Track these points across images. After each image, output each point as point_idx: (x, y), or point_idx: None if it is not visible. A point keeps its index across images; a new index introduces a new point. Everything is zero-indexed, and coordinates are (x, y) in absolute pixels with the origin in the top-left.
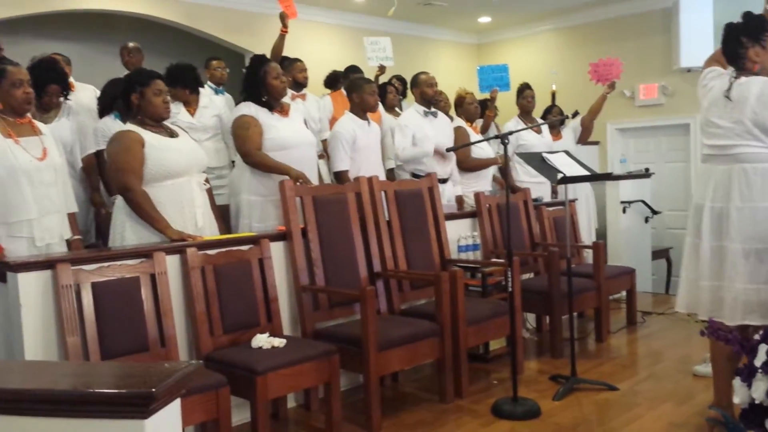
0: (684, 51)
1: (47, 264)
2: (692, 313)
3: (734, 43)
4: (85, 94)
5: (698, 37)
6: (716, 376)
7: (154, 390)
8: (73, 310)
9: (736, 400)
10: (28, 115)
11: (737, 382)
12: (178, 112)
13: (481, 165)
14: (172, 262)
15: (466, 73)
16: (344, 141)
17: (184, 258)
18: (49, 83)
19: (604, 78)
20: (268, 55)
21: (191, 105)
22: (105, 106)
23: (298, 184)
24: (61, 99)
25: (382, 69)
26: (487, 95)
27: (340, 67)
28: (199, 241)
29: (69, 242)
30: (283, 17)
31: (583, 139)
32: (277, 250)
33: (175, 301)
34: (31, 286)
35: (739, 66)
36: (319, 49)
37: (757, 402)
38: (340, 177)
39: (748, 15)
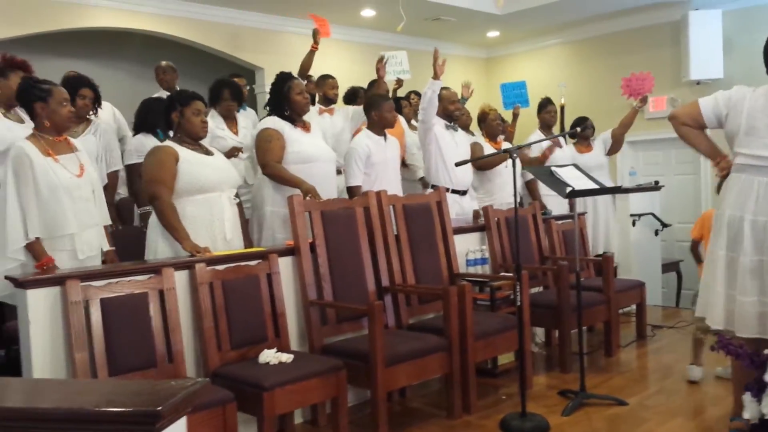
0: (693, 64)
1: (56, 280)
2: (729, 329)
3: None
4: (104, 112)
5: (707, 50)
6: (736, 387)
7: (160, 408)
8: (82, 326)
9: (746, 415)
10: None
11: (747, 397)
12: (224, 138)
13: (491, 162)
14: (180, 278)
15: (475, 87)
16: (358, 157)
17: (193, 273)
18: (81, 87)
19: (636, 92)
20: (296, 71)
21: (233, 124)
22: (140, 123)
23: (307, 198)
24: (91, 113)
25: (399, 82)
26: (508, 111)
27: (350, 82)
28: (208, 257)
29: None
30: (315, 34)
31: (614, 151)
32: (285, 265)
33: (183, 316)
34: (40, 303)
35: None
36: (329, 64)
37: (767, 417)
38: (352, 192)
39: None
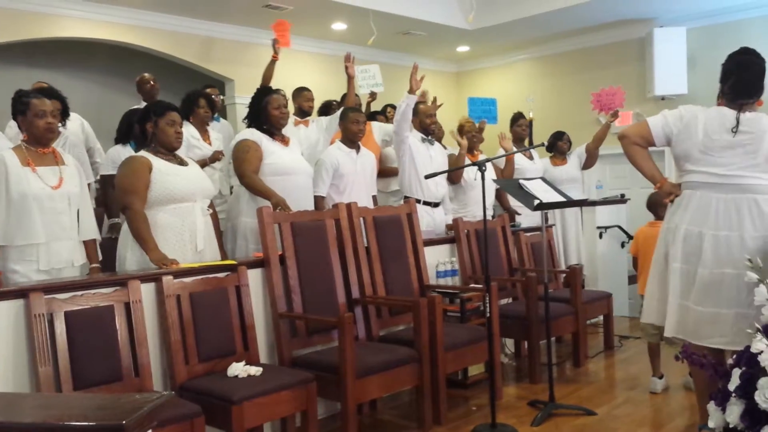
0: (658, 79)
1: (19, 293)
2: (682, 338)
3: (760, 77)
4: (72, 123)
5: (672, 66)
6: (699, 397)
7: (124, 422)
8: (46, 339)
9: (711, 424)
10: (54, 146)
11: (711, 406)
12: (199, 147)
13: (458, 175)
14: (147, 290)
15: (445, 101)
16: (325, 168)
17: (160, 286)
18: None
19: (606, 107)
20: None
21: (205, 134)
22: (122, 134)
23: (277, 210)
24: (59, 125)
25: (373, 96)
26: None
27: (322, 95)
28: (175, 269)
29: (91, 269)
30: (274, 44)
31: (588, 165)
32: (254, 277)
33: (149, 329)
34: (2, 315)
35: (750, 101)
36: (300, 76)
37: (731, 426)
38: (317, 202)
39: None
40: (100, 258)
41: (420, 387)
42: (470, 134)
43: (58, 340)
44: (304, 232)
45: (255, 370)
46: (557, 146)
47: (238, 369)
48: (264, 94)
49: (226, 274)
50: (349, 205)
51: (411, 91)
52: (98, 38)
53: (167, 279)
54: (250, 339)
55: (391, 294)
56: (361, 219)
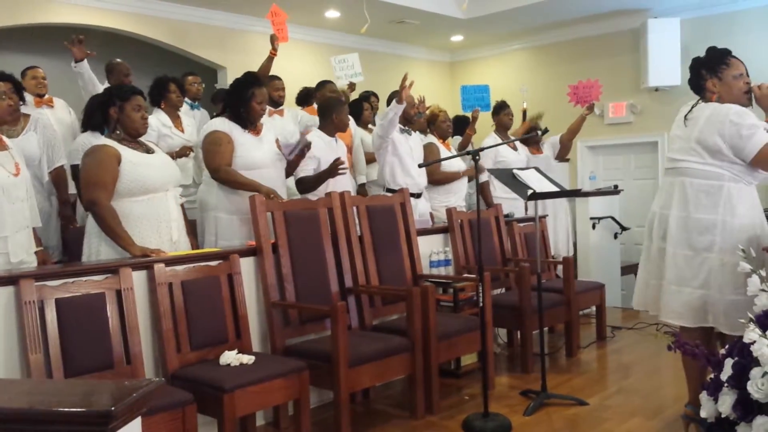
0: (652, 71)
1: (10, 279)
2: (645, 310)
3: (696, 75)
4: (60, 110)
5: (666, 58)
6: (689, 378)
7: (113, 408)
8: (36, 326)
9: (703, 414)
10: (26, 127)
11: (704, 396)
12: (171, 136)
13: (447, 178)
14: (138, 278)
15: (439, 91)
16: (309, 157)
17: (151, 274)
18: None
19: (583, 100)
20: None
21: (177, 121)
22: (87, 120)
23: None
24: (21, 104)
25: (351, 86)
26: (467, 114)
27: (313, 84)
28: (166, 257)
29: (36, 254)
30: (273, 39)
31: (561, 156)
32: (247, 266)
33: (141, 317)
34: None
35: (702, 96)
36: (292, 65)
37: (723, 416)
38: (302, 182)
39: (710, 49)
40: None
41: (413, 376)
42: (445, 123)
43: (49, 327)
44: (297, 220)
45: (247, 359)
46: (530, 137)
47: (231, 357)
48: (251, 84)
49: (218, 262)
50: (342, 194)
51: (399, 101)
52: (91, 24)
53: (159, 267)
54: (243, 327)
55: (384, 283)
56: (354, 208)
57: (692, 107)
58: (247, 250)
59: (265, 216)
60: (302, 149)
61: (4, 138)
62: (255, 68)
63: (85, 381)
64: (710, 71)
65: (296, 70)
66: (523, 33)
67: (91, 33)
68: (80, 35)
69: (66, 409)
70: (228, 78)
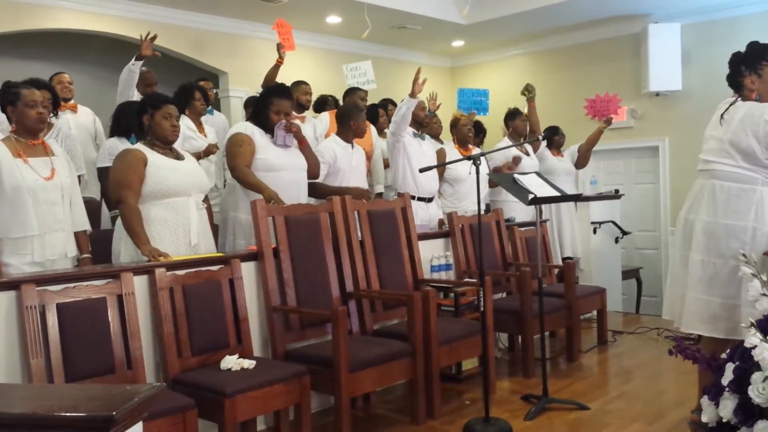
0: (653, 76)
1: (11, 284)
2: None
3: (735, 71)
4: (83, 116)
5: (666, 63)
6: (700, 383)
7: (114, 413)
8: (38, 331)
9: (704, 418)
10: (42, 136)
11: (705, 401)
12: (195, 139)
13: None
14: (139, 283)
15: (440, 96)
16: (324, 161)
17: (152, 278)
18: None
19: (600, 113)
20: (260, 81)
21: (200, 127)
22: (115, 126)
23: (270, 203)
24: (51, 116)
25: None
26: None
27: (316, 88)
28: (168, 261)
29: (79, 260)
30: (279, 48)
31: (580, 165)
32: (248, 271)
33: (142, 322)
34: None
35: (740, 94)
36: (294, 71)
37: (724, 420)
38: (314, 187)
39: (750, 44)
40: (90, 249)
41: (413, 381)
42: (466, 127)
43: (50, 332)
44: (298, 225)
45: (248, 364)
46: (554, 140)
47: (231, 362)
48: (272, 93)
49: (219, 267)
50: (343, 199)
51: (412, 95)
52: (91, 30)
53: (160, 271)
54: (244, 332)
55: (385, 288)
56: (356, 212)
57: (729, 106)
58: (249, 255)
59: (266, 221)
60: (286, 131)
61: (52, 146)
62: (256, 74)
63: (86, 386)
64: (750, 68)
65: (296, 76)
66: (523, 38)
67: (93, 39)
68: (154, 33)
69: (67, 414)
70: (230, 83)
